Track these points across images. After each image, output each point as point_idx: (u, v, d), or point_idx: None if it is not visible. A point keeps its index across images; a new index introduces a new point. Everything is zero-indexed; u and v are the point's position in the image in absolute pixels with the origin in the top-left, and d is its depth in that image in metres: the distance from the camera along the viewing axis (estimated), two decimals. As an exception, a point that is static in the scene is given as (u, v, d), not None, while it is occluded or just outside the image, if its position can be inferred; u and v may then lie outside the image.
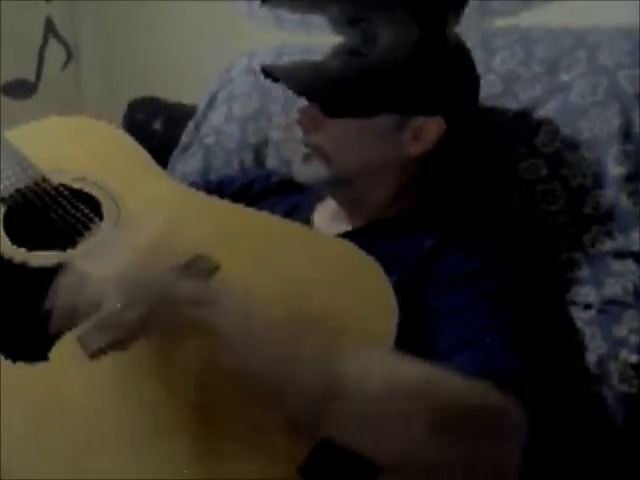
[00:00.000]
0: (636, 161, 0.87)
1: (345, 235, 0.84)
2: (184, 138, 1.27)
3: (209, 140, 1.24)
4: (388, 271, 0.73)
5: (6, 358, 0.66)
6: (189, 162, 1.25)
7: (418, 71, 0.84)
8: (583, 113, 0.91)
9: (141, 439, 0.62)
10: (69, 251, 0.77)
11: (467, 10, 0.90)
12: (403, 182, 0.89)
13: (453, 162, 0.94)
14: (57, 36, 1.90)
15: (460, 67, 0.89)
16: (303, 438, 0.62)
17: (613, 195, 0.87)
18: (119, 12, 1.84)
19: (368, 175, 0.87)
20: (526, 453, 0.66)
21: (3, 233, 0.80)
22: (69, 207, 0.83)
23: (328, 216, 0.94)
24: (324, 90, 0.85)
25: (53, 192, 0.85)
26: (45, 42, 1.87)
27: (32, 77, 1.87)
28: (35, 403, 0.64)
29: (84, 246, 0.78)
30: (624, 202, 0.87)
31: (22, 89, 1.83)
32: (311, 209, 0.96)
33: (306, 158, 0.88)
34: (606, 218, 0.88)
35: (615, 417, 0.83)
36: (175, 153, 1.28)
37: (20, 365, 0.66)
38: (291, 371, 0.62)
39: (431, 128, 0.85)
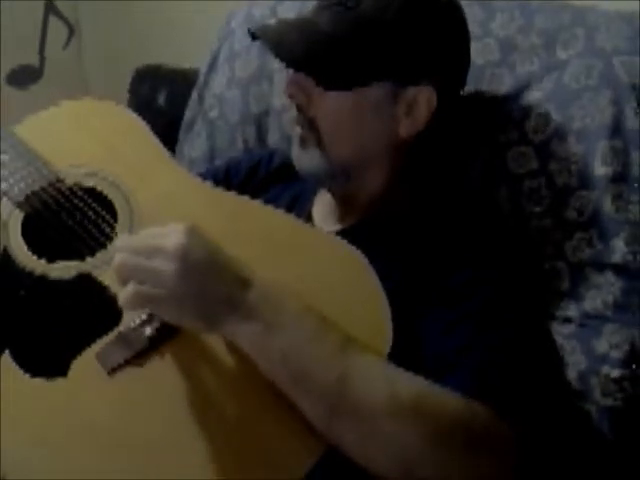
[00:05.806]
0: (624, 160, 0.87)
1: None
2: (188, 113, 1.27)
3: (213, 114, 1.23)
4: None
5: (26, 373, 0.69)
6: (195, 145, 1.25)
7: (407, 30, 0.85)
8: (576, 97, 0.92)
9: (157, 452, 0.66)
10: (89, 260, 0.80)
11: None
12: (392, 175, 0.90)
13: (441, 151, 0.94)
14: (57, 14, 1.84)
15: (452, 27, 0.89)
16: (313, 446, 0.66)
17: (597, 197, 0.87)
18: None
19: (362, 161, 0.88)
20: (520, 469, 0.70)
21: (23, 242, 0.81)
22: (85, 209, 0.85)
23: (325, 210, 0.95)
24: (317, 57, 0.84)
25: (68, 193, 0.86)
26: (46, 23, 1.82)
27: (36, 62, 1.83)
28: (51, 417, 0.67)
29: (103, 255, 0.80)
30: (607, 206, 0.87)
31: (27, 76, 1.80)
32: (310, 202, 0.98)
33: (302, 143, 0.88)
34: (588, 224, 0.88)
35: (602, 431, 0.84)
36: (181, 132, 1.27)
37: (37, 380, 0.69)
38: (310, 366, 0.68)
39: (422, 102, 0.86)
